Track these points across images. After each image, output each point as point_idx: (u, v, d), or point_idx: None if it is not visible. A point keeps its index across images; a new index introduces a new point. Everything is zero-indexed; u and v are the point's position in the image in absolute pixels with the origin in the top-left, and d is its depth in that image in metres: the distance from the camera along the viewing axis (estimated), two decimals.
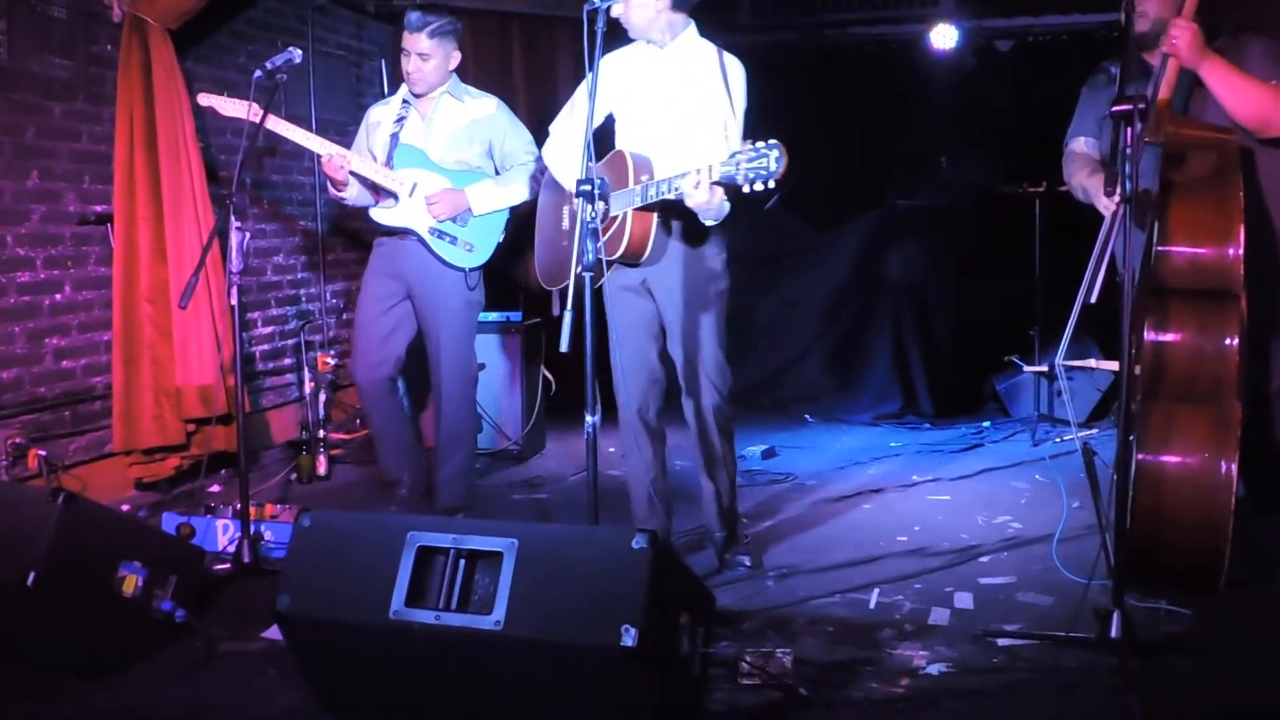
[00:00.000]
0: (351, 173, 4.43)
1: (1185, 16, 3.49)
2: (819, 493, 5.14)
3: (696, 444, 4.03)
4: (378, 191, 4.51)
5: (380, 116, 4.60)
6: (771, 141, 3.24)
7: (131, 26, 4.84)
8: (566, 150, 4.00)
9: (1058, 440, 5.90)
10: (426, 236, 4.43)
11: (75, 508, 3.10)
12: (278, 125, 4.38)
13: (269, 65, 4.08)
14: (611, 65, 3.99)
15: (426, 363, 4.67)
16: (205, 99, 4.42)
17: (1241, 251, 3.36)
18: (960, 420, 6.63)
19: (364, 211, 4.66)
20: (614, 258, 3.76)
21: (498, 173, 4.59)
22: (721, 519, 4.09)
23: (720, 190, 3.44)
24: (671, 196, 3.58)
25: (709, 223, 3.72)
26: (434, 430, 4.75)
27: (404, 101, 4.56)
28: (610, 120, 4.04)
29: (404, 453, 4.71)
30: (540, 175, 4.52)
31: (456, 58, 4.48)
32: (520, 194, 4.54)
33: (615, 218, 3.75)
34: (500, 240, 4.59)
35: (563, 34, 7.20)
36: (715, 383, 3.92)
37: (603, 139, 4.02)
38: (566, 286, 3.90)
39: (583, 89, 4.03)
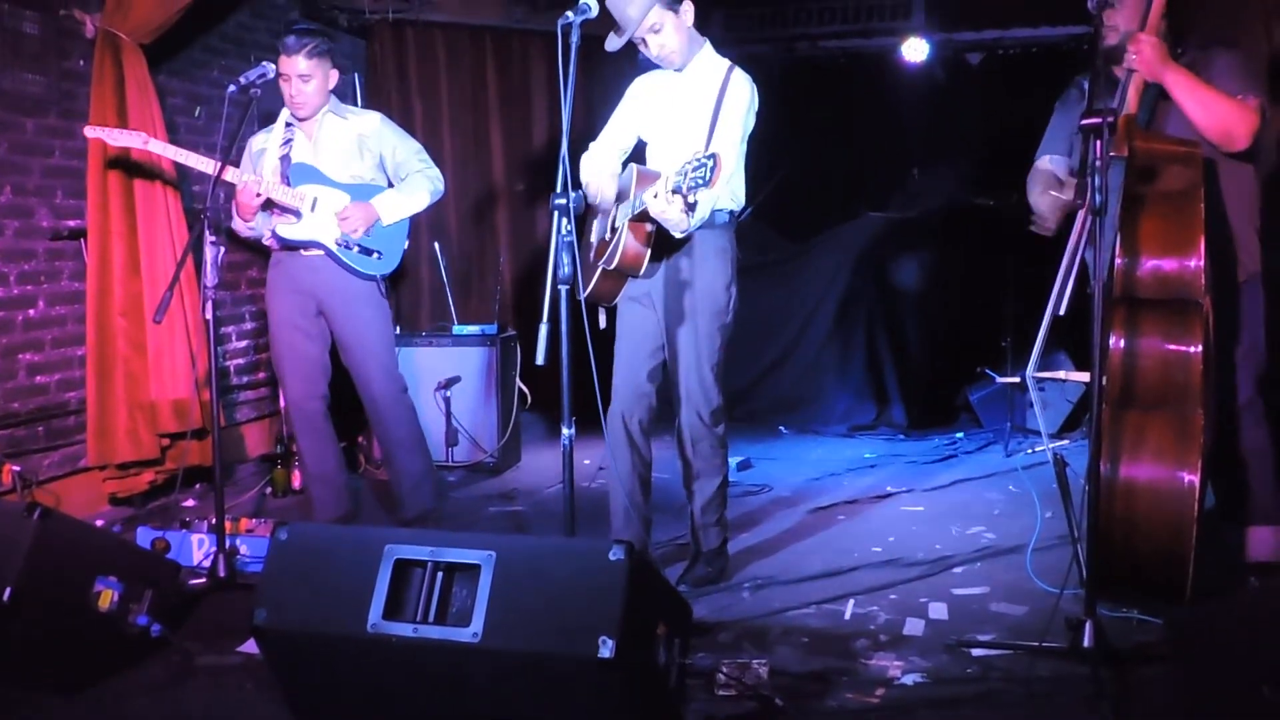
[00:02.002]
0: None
1: (1148, 30, 3.53)
2: (794, 504, 5.17)
3: (677, 456, 4.06)
4: (271, 209, 4.46)
5: (265, 144, 4.54)
6: (711, 152, 3.31)
7: (104, 42, 4.84)
8: (595, 166, 4.07)
9: (1030, 451, 5.94)
10: (335, 249, 4.41)
11: (51, 523, 3.09)
12: (179, 154, 4.36)
13: (243, 80, 4.07)
14: (641, 88, 4.11)
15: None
16: (91, 130, 4.39)
17: (1203, 262, 3.41)
18: (934, 431, 6.68)
19: None
20: (613, 269, 3.78)
21: (390, 184, 4.57)
22: (691, 534, 4.12)
23: (679, 201, 3.46)
24: (641, 209, 3.63)
25: (677, 235, 3.74)
26: (380, 444, 4.72)
27: (287, 125, 4.51)
28: (643, 144, 4.12)
29: (339, 490, 4.68)
30: (438, 180, 4.59)
31: (334, 76, 4.46)
32: (423, 200, 4.56)
33: (617, 230, 3.79)
34: (406, 246, 4.59)
35: (537, 47, 7.23)
36: (696, 402, 3.95)
37: (640, 161, 4.08)
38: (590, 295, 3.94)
39: (618, 109, 4.15)
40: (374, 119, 4.58)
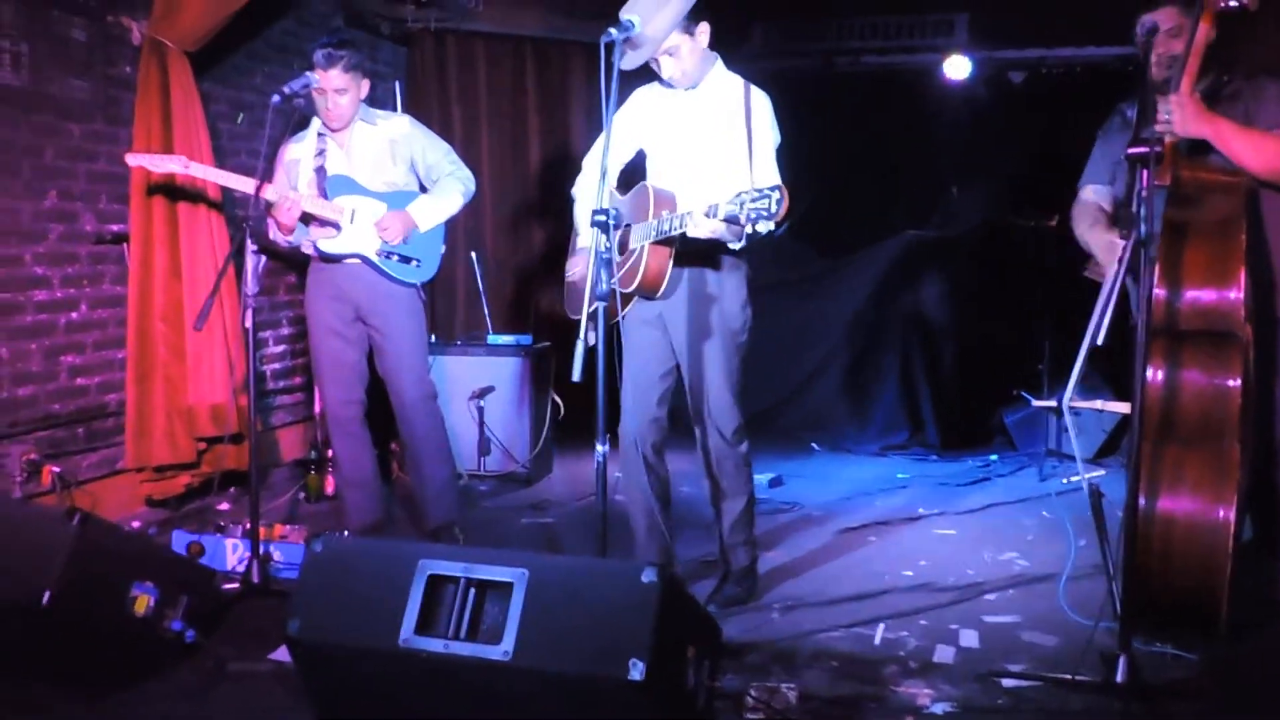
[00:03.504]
0: None
1: (1184, 90, 3.47)
2: (825, 524, 5.15)
3: (704, 475, 4.05)
4: (309, 223, 4.48)
5: (298, 153, 4.55)
6: (775, 184, 3.29)
7: (150, 49, 4.89)
8: (592, 186, 4.03)
9: (1065, 481, 5.87)
10: (376, 259, 4.44)
11: (90, 528, 3.13)
12: (219, 177, 4.43)
13: (287, 90, 4.09)
14: (643, 100, 4.03)
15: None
16: (133, 158, 4.47)
17: (1242, 294, 3.37)
18: (967, 453, 6.63)
19: None
20: (630, 290, 3.78)
21: (422, 188, 4.59)
22: (720, 553, 4.11)
23: (731, 228, 3.46)
24: (677, 231, 3.63)
25: (735, 246, 3.74)
26: (407, 450, 4.75)
27: (319, 134, 4.53)
28: (642, 156, 4.08)
29: (373, 495, 4.71)
30: (469, 180, 4.59)
31: (367, 85, 4.47)
32: (456, 203, 4.57)
33: (633, 250, 3.78)
34: (443, 251, 4.61)
35: (576, 57, 7.25)
36: (719, 422, 3.93)
37: (636, 175, 4.05)
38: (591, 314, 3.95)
39: (621, 118, 4.07)
40: (403, 122, 4.61)
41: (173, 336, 4.99)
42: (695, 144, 3.88)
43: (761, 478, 5.80)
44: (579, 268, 4.09)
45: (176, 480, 5.06)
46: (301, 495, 5.49)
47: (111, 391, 4.98)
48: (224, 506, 5.23)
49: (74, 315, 4.80)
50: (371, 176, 4.48)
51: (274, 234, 4.50)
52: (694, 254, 3.82)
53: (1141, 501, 3.28)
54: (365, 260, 4.44)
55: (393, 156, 4.52)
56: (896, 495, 5.75)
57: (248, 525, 4.15)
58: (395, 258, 4.43)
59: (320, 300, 4.57)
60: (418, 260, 4.48)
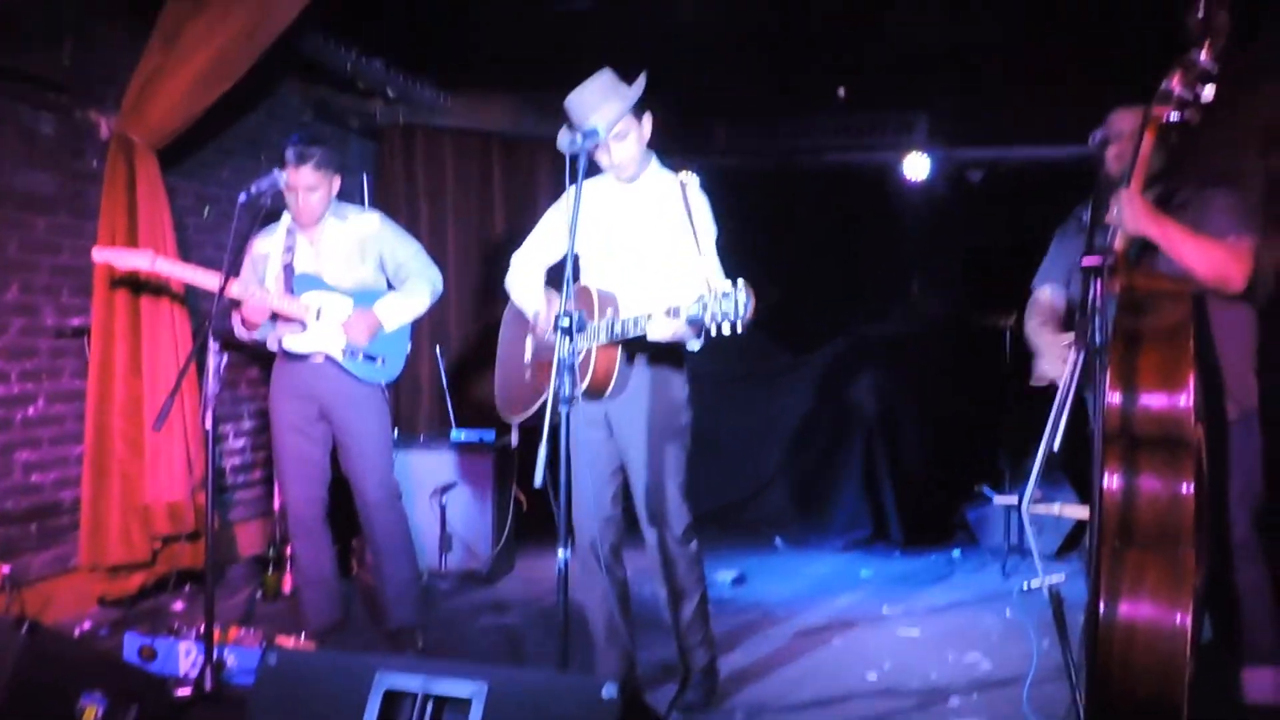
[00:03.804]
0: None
1: (1133, 189, 3.53)
2: (789, 624, 5.11)
3: (658, 575, 4.03)
4: (275, 319, 4.48)
5: (268, 248, 4.55)
6: (739, 284, 3.18)
7: (118, 145, 4.91)
8: (531, 279, 4.07)
9: (1026, 586, 5.84)
10: (341, 358, 4.43)
11: (38, 638, 3.07)
12: (184, 274, 4.41)
13: (254, 190, 4.10)
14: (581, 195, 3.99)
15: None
16: (99, 254, 4.47)
17: (1192, 400, 3.41)
18: (930, 548, 6.62)
19: None
20: (578, 392, 3.76)
21: (390, 285, 4.59)
22: (679, 655, 4.07)
23: (691, 329, 3.44)
24: (635, 334, 3.62)
25: (693, 346, 3.75)
26: (369, 549, 4.69)
27: (289, 230, 4.53)
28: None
29: (331, 595, 4.66)
30: (438, 280, 4.60)
31: (338, 182, 4.48)
32: (424, 303, 4.58)
33: (579, 352, 3.76)
34: (409, 349, 4.60)
35: (542, 154, 7.33)
36: (670, 523, 3.90)
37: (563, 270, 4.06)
38: (526, 418, 3.95)
39: (546, 222, 4.10)
40: (374, 220, 4.61)
41: (131, 433, 4.95)
42: (637, 238, 3.87)
43: (725, 575, 5.78)
44: (515, 363, 4.12)
45: (131, 579, 4.98)
46: (259, 594, 5.41)
47: (66, 488, 4.92)
48: (178, 606, 5.13)
49: (31, 411, 4.75)
50: (340, 274, 4.48)
51: (239, 329, 4.49)
52: (639, 352, 3.82)
53: (1101, 609, 3.28)
54: (330, 359, 4.43)
55: (362, 254, 4.52)
56: (860, 592, 5.73)
57: (202, 628, 4.07)
58: (360, 357, 4.42)
59: (284, 397, 4.54)
60: (383, 359, 4.48)
